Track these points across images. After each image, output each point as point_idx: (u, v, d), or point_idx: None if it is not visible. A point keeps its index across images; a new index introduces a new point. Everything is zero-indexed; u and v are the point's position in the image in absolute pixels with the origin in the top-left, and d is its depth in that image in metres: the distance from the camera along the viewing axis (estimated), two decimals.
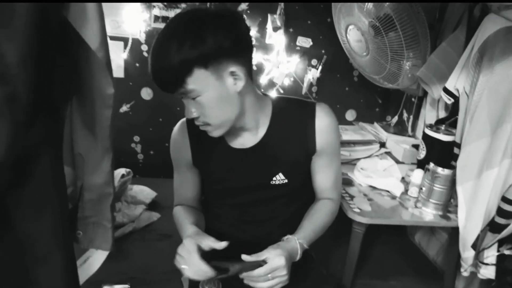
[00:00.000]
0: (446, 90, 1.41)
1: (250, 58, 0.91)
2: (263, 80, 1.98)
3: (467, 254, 1.26)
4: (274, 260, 0.82)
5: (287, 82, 2.01)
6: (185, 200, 1.12)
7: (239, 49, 0.85)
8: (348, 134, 1.89)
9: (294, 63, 1.99)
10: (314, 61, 2.01)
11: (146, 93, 1.93)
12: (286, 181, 1.00)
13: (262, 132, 0.98)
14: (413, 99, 1.92)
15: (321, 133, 0.97)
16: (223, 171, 1.04)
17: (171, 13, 1.78)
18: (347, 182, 1.52)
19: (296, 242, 0.91)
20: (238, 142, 1.00)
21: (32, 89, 0.59)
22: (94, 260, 0.85)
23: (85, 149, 0.77)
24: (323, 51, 2.00)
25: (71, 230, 0.82)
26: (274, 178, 1.00)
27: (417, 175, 1.42)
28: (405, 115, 2.00)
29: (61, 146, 0.72)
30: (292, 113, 0.99)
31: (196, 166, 1.08)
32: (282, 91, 2.03)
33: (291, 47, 1.97)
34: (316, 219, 1.00)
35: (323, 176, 1.03)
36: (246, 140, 1.00)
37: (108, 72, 0.68)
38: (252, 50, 0.91)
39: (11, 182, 0.63)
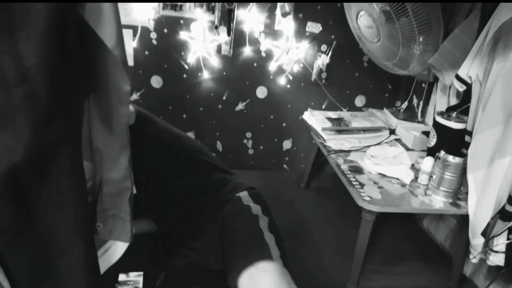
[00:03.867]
0: (458, 77, 1.39)
1: None
2: (272, 67, 1.97)
3: (477, 241, 1.27)
4: None
5: (296, 68, 2.00)
6: None
7: None
8: (358, 121, 1.88)
9: (304, 49, 1.97)
10: (323, 47, 1.99)
11: (156, 81, 1.93)
12: None
13: None
14: (423, 85, 1.90)
15: None
16: None
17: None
18: (357, 170, 1.52)
19: None
20: None
21: (51, 88, 0.60)
22: (114, 250, 0.87)
23: (103, 145, 0.78)
24: (332, 37, 1.98)
25: (91, 222, 0.84)
26: None
27: (428, 163, 1.42)
28: (415, 100, 1.99)
29: (80, 142, 0.74)
30: None
31: None
32: (291, 78, 2.02)
33: (300, 33, 1.94)
34: None
35: None
36: None
37: (124, 69, 0.68)
38: None
39: (33, 177, 0.64)
